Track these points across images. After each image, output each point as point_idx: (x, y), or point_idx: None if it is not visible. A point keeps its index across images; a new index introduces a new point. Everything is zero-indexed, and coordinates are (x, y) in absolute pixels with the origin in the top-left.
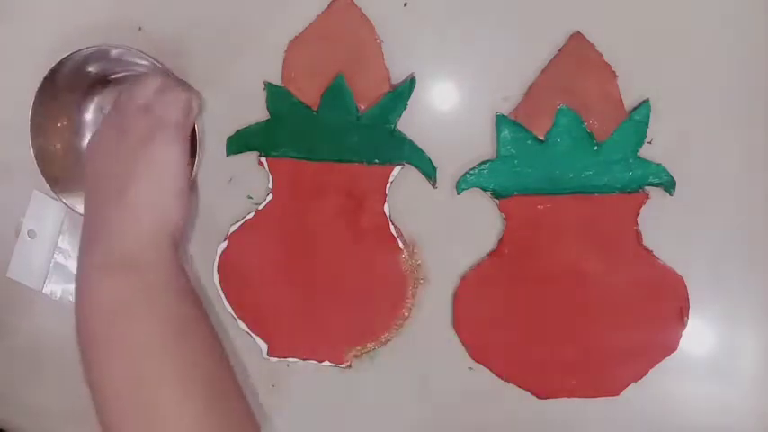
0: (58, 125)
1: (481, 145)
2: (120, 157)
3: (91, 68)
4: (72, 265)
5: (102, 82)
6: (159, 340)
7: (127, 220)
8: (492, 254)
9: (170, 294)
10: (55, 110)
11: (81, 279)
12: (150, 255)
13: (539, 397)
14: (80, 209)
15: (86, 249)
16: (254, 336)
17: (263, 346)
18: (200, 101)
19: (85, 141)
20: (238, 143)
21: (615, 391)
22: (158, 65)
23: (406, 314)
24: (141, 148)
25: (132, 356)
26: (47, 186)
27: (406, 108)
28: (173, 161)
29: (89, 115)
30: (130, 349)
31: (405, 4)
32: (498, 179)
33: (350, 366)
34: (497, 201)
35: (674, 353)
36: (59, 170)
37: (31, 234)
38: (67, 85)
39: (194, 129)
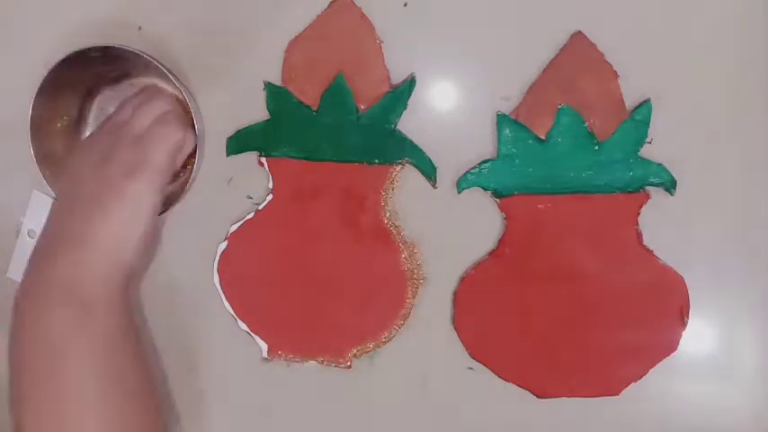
0: (58, 125)
1: (482, 144)
2: (96, 183)
3: (91, 68)
4: None
5: (102, 82)
6: (92, 387)
7: (86, 252)
8: (492, 253)
9: (112, 337)
10: (55, 110)
11: (26, 305)
12: (100, 293)
13: (539, 397)
14: None
15: (39, 263)
16: (254, 336)
17: (263, 346)
18: (194, 142)
19: None
20: (238, 143)
21: (615, 391)
22: (158, 65)
23: (406, 314)
24: (119, 182)
25: (61, 402)
26: (47, 186)
27: (406, 108)
28: (145, 204)
29: (89, 115)
30: (60, 393)
31: (405, 4)
32: (499, 178)
33: (350, 366)
34: (498, 200)
35: (674, 353)
36: (59, 170)
37: (31, 234)
38: (67, 84)
39: (194, 129)
